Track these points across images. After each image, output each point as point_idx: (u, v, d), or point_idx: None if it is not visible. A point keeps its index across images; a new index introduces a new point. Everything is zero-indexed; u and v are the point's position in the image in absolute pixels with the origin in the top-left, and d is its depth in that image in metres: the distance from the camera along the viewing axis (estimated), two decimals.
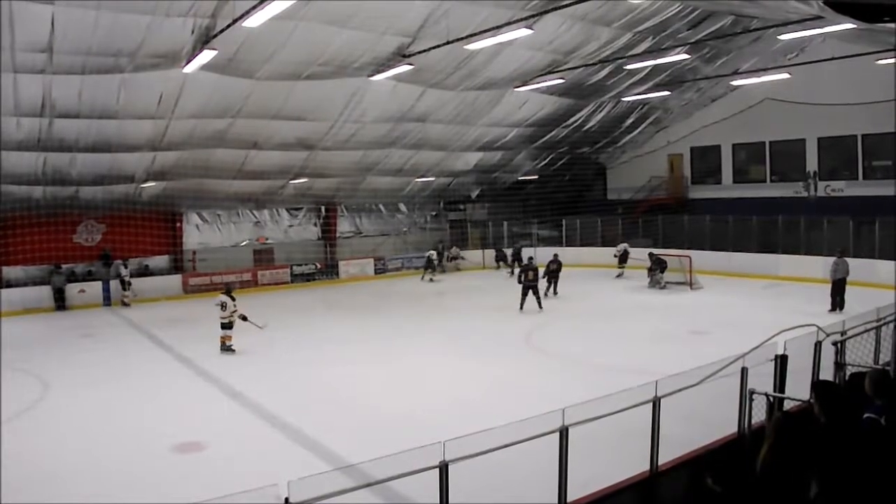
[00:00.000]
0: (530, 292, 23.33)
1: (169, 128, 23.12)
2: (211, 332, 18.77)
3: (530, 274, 23.38)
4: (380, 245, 36.75)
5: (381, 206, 37.58)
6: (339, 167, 30.41)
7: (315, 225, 35.55)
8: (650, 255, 28.28)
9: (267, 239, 34.03)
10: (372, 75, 22.37)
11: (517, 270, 26.97)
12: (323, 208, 35.20)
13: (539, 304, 23.27)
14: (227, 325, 18.38)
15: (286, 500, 5.61)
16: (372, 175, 32.42)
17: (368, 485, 6.62)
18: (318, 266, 33.86)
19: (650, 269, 27.72)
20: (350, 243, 36.03)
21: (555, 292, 26.25)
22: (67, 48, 17.73)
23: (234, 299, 18.50)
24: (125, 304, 27.11)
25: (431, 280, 32.44)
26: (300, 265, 33.26)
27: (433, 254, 33.49)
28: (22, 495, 9.68)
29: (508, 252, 34.66)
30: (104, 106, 20.95)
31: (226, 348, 18.39)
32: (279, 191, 31.64)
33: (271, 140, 26.06)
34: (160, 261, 31.31)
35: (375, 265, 35.11)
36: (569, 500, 7.41)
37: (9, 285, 27.13)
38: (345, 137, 27.50)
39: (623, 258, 31.03)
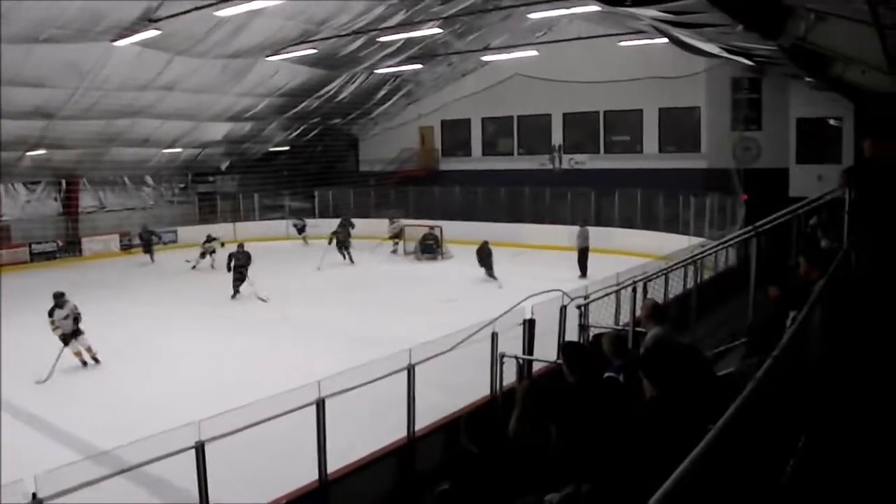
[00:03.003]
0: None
1: None
2: None
3: (241, 258, 22.19)
4: (125, 220, 35.14)
5: (127, 179, 35.93)
6: (80, 138, 28.65)
7: (55, 199, 33.51)
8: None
9: (2, 215, 31.76)
10: (116, 40, 21.30)
11: None
12: (63, 182, 33.22)
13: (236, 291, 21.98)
14: None
15: (34, 495, 5.39)
16: (116, 146, 30.86)
17: (122, 471, 6.44)
18: (60, 244, 32.06)
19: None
20: (93, 218, 34.29)
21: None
22: None
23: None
24: None
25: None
26: (40, 243, 31.34)
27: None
28: None
29: None
30: None
31: None
32: (15, 163, 29.51)
33: (5, 108, 24.22)
34: None
35: (121, 241, 33.60)
36: (329, 470, 7.53)
37: None
38: (87, 106, 25.92)
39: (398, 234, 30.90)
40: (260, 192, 37.58)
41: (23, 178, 31.58)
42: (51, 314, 15.16)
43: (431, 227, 28.57)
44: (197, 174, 38.39)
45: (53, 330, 14.80)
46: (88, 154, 30.81)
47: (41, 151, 28.79)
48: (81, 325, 15.28)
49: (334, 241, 27.50)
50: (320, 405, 7.37)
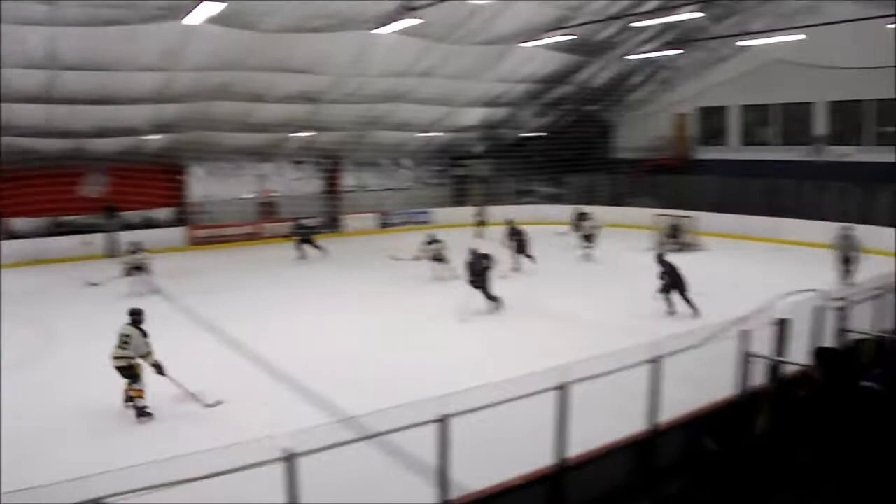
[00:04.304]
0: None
1: (173, 80, 23.02)
2: (214, 283, 18.80)
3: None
4: (383, 200, 36.69)
5: (385, 161, 37.49)
6: (343, 121, 30.28)
7: (319, 179, 35.53)
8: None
9: (273, 192, 34.06)
10: (377, 28, 22.20)
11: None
12: (327, 162, 35.15)
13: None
14: (128, 372, 11.42)
15: (287, 450, 5.70)
16: (376, 129, 32.28)
17: (368, 437, 6.70)
18: (322, 220, 33.88)
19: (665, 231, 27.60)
20: (353, 197, 36.04)
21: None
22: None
23: (144, 333, 11.68)
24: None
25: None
26: (304, 218, 33.22)
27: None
28: (20, 447, 9.86)
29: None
30: (108, 58, 20.86)
31: (138, 410, 11.30)
32: (283, 144, 31.56)
33: (275, 93, 25.94)
34: (165, 213, 31.43)
35: (379, 220, 35.07)
36: (566, 456, 7.50)
37: (15, 237, 27.37)
38: (349, 91, 27.35)
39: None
40: (512, 176, 37.95)
41: (290, 157, 33.74)
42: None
43: (675, 218, 27.69)
44: (452, 157, 39.38)
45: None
46: (350, 136, 32.42)
47: (308, 133, 30.57)
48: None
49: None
50: (563, 390, 7.35)
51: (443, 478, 6.72)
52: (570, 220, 27.62)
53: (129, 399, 11.34)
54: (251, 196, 33.56)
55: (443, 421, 6.56)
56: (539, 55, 28.44)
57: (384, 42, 23.64)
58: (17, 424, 10.34)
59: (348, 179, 36.23)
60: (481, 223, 31.49)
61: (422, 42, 24.70)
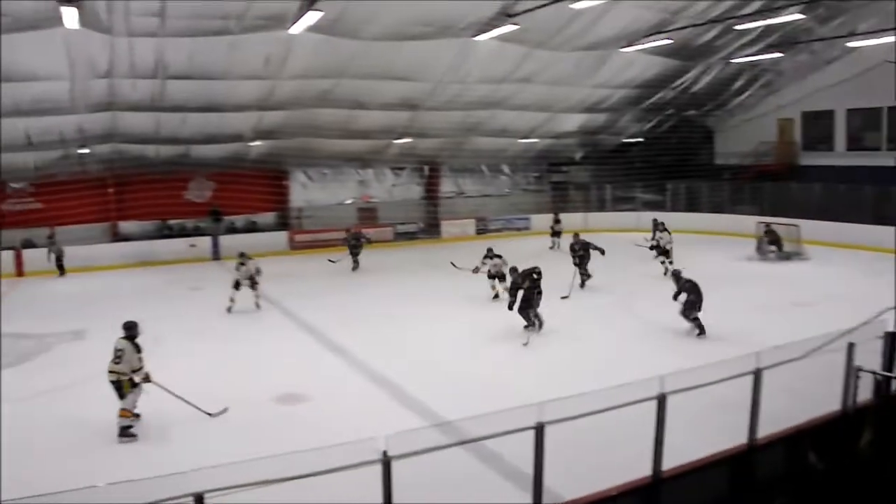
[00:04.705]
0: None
1: (276, 88, 23.59)
2: (315, 287, 19.16)
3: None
4: (482, 206, 36.77)
5: (484, 167, 37.59)
6: (442, 127, 30.52)
7: (418, 184, 35.84)
8: (764, 224, 27.26)
9: (371, 197, 34.51)
10: (476, 35, 22.27)
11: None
12: (426, 168, 35.44)
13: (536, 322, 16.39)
14: (117, 388, 10.67)
15: (384, 453, 5.77)
16: (475, 136, 32.39)
17: (464, 442, 6.75)
18: (421, 225, 34.17)
19: (761, 239, 26.86)
20: (452, 203, 36.22)
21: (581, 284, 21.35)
22: (178, 12, 18.27)
23: (138, 348, 10.92)
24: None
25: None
26: (403, 224, 33.60)
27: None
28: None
29: None
30: (213, 67, 21.54)
31: (122, 429, 10.57)
32: (383, 150, 31.94)
33: (376, 100, 26.30)
34: (267, 217, 32.23)
35: (477, 226, 35.16)
36: (663, 467, 7.39)
37: (124, 239, 28.54)
38: (449, 98, 27.54)
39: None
40: (612, 183, 37.62)
41: (390, 163, 34.14)
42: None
43: (768, 225, 26.88)
44: (551, 164, 39.24)
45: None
46: (449, 143, 32.64)
47: (407, 140, 30.88)
48: None
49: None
50: (661, 401, 7.25)
51: (537, 485, 6.70)
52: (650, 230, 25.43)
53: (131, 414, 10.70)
54: (351, 202, 34.07)
55: (539, 428, 6.55)
56: (639, 60, 28.10)
57: (483, 49, 23.70)
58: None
59: (447, 185, 36.43)
60: (557, 233, 30.30)
61: (520, 48, 24.67)
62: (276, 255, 29.03)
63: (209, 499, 5.29)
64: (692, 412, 8.47)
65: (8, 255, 25.92)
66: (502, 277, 19.58)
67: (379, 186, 34.88)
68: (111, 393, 10.57)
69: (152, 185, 28.83)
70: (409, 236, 33.48)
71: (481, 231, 34.94)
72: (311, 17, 17.95)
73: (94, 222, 28.71)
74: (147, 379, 10.82)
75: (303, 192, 33.05)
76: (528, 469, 6.61)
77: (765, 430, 8.18)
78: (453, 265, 22.25)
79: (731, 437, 8.12)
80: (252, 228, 31.35)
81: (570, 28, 23.77)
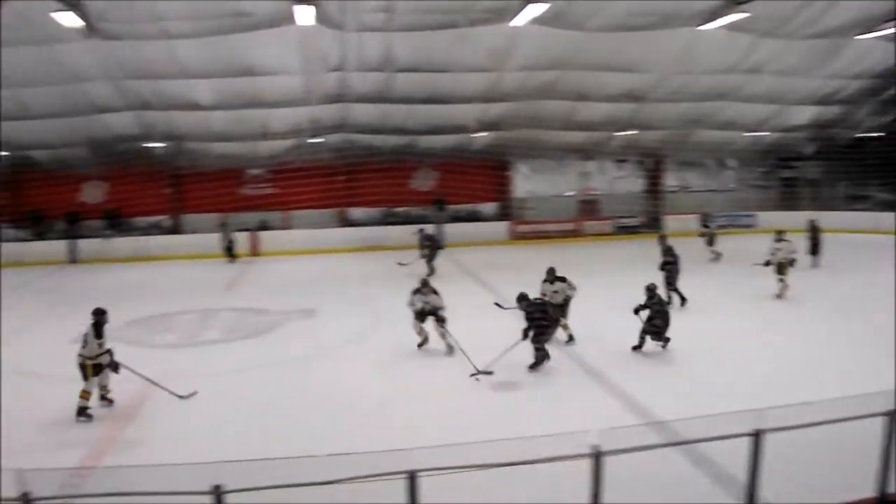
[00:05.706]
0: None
1: (501, 80, 23.95)
2: (533, 278, 19.14)
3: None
4: (706, 201, 35.71)
5: (710, 161, 36.54)
6: (666, 119, 29.95)
7: (641, 178, 35.35)
8: None
9: (593, 190, 34.39)
10: (702, 25, 21.70)
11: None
12: (649, 161, 34.87)
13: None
14: (81, 371, 11.03)
15: (596, 448, 5.82)
16: (700, 128, 31.57)
17: (676, 444, 6.66)
18: (642, 219, 33.69)
19: None
20: (675, 197, 35.47)
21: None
22: (406, 7, 19.00)
23: (98, 335, 11.11)
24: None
25: None
26: (624, 217, 33.26)
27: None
28: (336, 419, 10.86)
29: None
30: (439, 60, 22.18)
31: (80, 409, 10.81)
32: (607, 142, 31.71)
33: (599, 92, 26.16)
34: (489, 208, 32.81)
35: (702, 221, 34.12)
36: (890, 490, 6.93)
37: (352, 224, 30.03)
38: (674, 89, 26.99)
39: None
40: (845, 180, 35.62)
41: (612, 156, 33.87)
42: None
43: None
44: (780, 158, 37.64)
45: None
46: (673, 135, 31.96)
47: (631, 132, 30.52)
48: None
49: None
50: (893, 417, 6.81)
51: (751, 493, 6.53)
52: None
53: (101, 397, 11.29)
54: (573, 194, 34.09)
55: (757, 435, 6.37)
56: (877, 48, 26.30)
57: (709, 38, 23.02)
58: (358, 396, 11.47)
59: (670, 179, 35.72)
60: (711, 236, 28.06)
61: (749, 37, 23.76)
62: (496, 244, 29.51)
63: (422, 476, 5.54)
64: None
65: (243, 236, 27.95)
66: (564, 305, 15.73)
67: (601, 179, 34.70)
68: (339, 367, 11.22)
69: (379, 173, 30.08)
70: (630, 230, 33.12)
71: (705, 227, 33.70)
72: (535, 10, 18.10)
73: (324, 208, 30.31)
74: (113, 365, 11.17)
75: (525, 183, 33.40)
76: (737, 473, 6.47)
77: None
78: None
79: None
80: (474, 218, 32.02)
81: (800, 15, 22.67)
